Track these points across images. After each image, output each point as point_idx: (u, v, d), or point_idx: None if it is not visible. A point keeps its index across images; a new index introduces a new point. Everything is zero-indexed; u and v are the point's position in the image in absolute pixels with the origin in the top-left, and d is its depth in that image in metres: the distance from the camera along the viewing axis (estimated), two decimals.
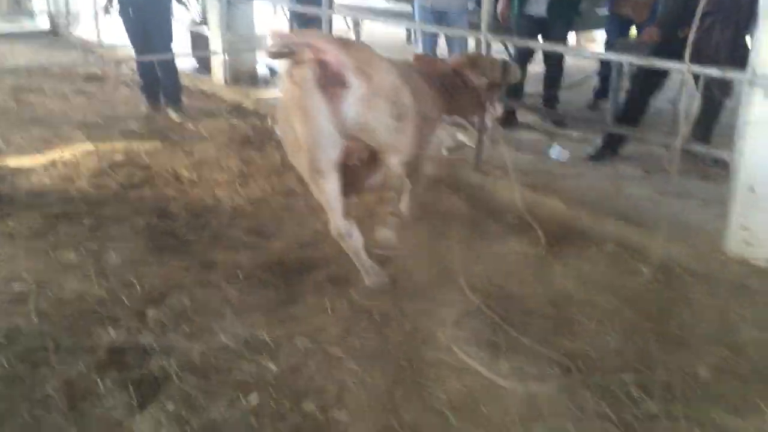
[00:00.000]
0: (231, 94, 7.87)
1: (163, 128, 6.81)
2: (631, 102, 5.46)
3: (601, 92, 7.04)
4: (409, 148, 3.51)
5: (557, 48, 5.89)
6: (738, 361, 3.10)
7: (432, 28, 6.67)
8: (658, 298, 3.63)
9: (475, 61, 4.40)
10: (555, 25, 6.14)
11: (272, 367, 2.96)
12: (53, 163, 5.58)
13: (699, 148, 4.03)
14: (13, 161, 5.59)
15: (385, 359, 3.05)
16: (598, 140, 5.67)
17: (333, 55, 3.07)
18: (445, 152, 5.59)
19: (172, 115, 7.19)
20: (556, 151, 5.55)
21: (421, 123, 3.61)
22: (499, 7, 6.60)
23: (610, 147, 5.52)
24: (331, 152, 3.23)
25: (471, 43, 9.11)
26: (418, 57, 4.46)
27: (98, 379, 2.80)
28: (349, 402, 2.78)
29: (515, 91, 6.19)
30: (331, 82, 3.08)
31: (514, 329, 3.33)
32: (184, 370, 2.92)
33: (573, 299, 3.63)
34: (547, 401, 2.82)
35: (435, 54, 6.69)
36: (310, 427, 2.64)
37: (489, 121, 4.52)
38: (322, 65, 3.05)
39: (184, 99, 7.56)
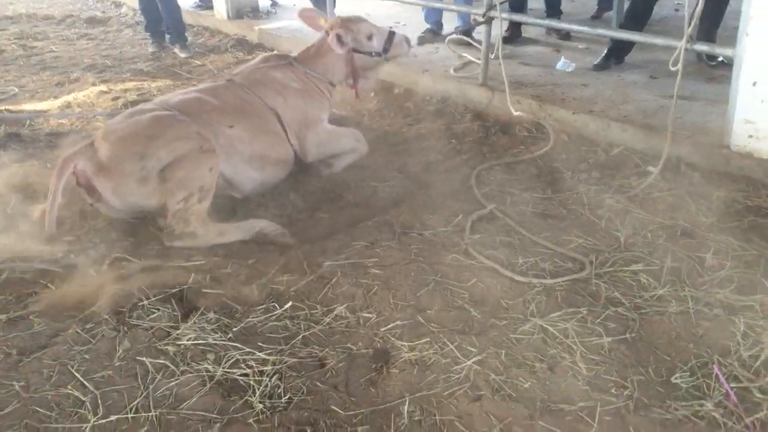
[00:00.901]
0: (234, 29, 7.89)
1: (171, 66, 6.91)
2: (635, 9, 5.46)
3: (605, 2, 7.01)
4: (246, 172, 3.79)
5: None
6: (743, 248, 3.25)
7: None
8: (664, 194, 3.77)
9: (348, 24, 4.32)
10: None
11: (303, 278, 3.14)
12: (68, 105, 5.70)
13: (703, 46, 4.08)
14: (29, 105, 5.71)
15: (407, 264, 3.23)
16: (603, 50, 5.70)
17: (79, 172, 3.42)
18: (452, 71, 5.64)
19: (179, 52, 7.24)
20: (562, 63, 5.60)
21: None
22: None
23: (615, 55, 5.56)
24: None
25: None
26: (304, 14, 4.53)
27: (141, 296, 2.99)
28: (376, 303, 2.96)
29: (519, 6, 6.19)
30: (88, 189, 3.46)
31: (527, 231, 3.49)
32: (220, 284, 3.11)
33: (582, 201, 3.77)
34: (563, 292, 2.99)
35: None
36: (342, 327, 2.83)
37: (363, 91, 4.47)
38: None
39: (188, 36, 7.60)
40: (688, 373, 2.51)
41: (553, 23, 5.29)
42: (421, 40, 6.48)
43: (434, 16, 6.75)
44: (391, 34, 4.44)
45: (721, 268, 3.11)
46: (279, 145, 4.00)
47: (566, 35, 6.46)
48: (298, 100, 4.16)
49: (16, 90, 6.21)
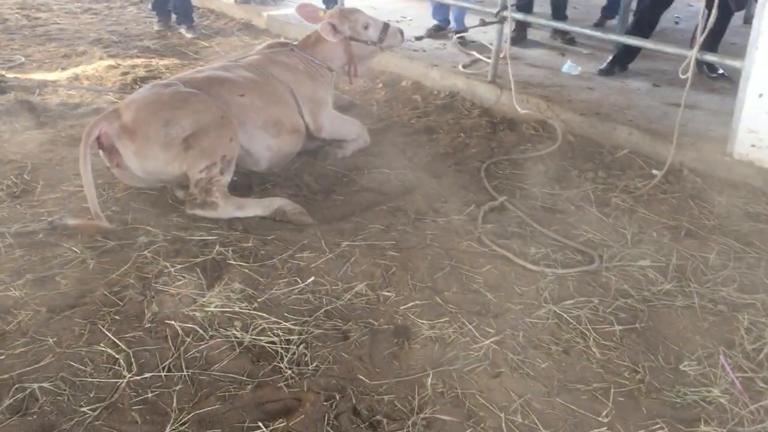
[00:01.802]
0: (241, 13, 7.92)
1: (178, 45, 6.94)
2: (642, 17, 5.61)
3: (608, 10, 7.15)
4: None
5: None
6: (745, 250, 3.41)
7: None
8: (668, 197, 3.91)
9: (346, 14, 4.48)
10: None
11: (322, 256, 3.22)
12: (77, 77, 5.71)
13: (713, 57, 4.23)
14: (38, 75, 5.72)
15: (423, 249, 3.33)
16: (607, 57, 5.84)
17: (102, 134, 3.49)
18: (461, 67, 5.75)
19: (185, 32, 7.27)
20: (568, 66, 5.74)
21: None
22: None
23: (620, 62, 5.70)
24: None
25: None
26: (301, 9, 4.64)
27: (167, 264, 3.05)
28: (395, 283, 3.06)
29: (526, 7, 6.30)
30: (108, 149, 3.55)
31: (538, 223, 3.61)
32: (242, 258, 3.18)
33: (590, 198, 3.90)
34: (574, 282, 3.12)
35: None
36: (363, 303, 2.93)
37: (354, 78, 4.61)
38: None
39: (195, 18, 7.62)
40: (696, 362, 2.64)
41: (566, 26, 5.43)
42: (428, 35, 6.54)
43: (441, 14, 6.84)
44: (386, 26, 4.60)
45: (724, 267, 3.25)
46: (292, 113, 4.10)
47: (571, 40, 6.60)
48: (307, 79, 4.29)
49: (23, 59, 6.21)
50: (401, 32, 4.67)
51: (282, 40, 4.87)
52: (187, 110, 3.54)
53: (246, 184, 3.94)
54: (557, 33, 6.68)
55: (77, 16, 7.99)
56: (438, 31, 6.63)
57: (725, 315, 2.91)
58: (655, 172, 4.13)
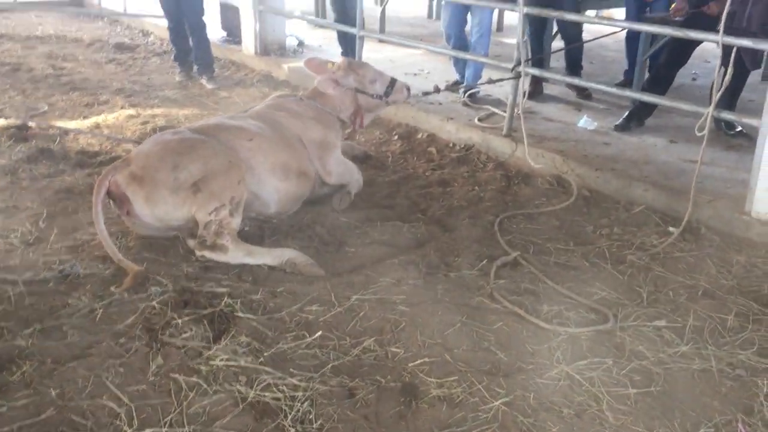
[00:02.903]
0: (261, 65, 8.06)
1: (198, 95, 7.05)
2: (657, 74, 5.62)
3: (631, 72, 7.07)
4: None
5: (581, 18, 6.00)
6: (764, 312, 3.32)
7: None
8: (685, 255, 3.85)
9: (354, 67, 4.58)
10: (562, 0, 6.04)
11: (331, 310, 3.19)
12: (97, 126, 5.80)
13: (730, 115, 4.22)
14: (59, 122, 5.82)
15: (434, 304, 3.28)
16: (623, 112, 5.84)
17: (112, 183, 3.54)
18: (476, 120, 5.78)
19: (206, 83, 7.40)
20: (584, 121, 5.74)
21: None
22: None
23: (636, 117, 5.70)
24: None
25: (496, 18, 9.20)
26: (310, 64, 4.68)
27: (174, 315, 3.03)
28: (404, 339, 3.01)
29: (540, 63, 6.35)
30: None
31: (551, 280, 3.56)
32: (251, 310, 3.16)
33: (605, 255, 3.85)
34: (588, 342, 3.05)
35: (462, 33, 6.69)
36: (371, 359, 2.87)
37: (358, 125, 4.70)
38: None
39: (216, 68, 7.76)
40: (713, 429, 2.56)
41: (582, 82, 5.44)
42: (435, 90, 6.54)
43: (460, 68, 6.87)
44: (393, 81, 4.69)
45: (743, 330, 3.17)
46: (300, 158, 4.16)
47: (588, 95, 6.61)
48: (315, 124, 4.38)
49: (46, 107, 6.33)
50: (408, 88, 4.79)
51: (288, 92, 4.96)
52: (195, 155, 3.62)
53: (258, 234, 3.94)
54: (572, 87, 6.70)
55: (102, 66, 8.16)
56: (454, 86, 6.67)
57: (744, 380, 2.82)
58: (671, 229, 4.08)
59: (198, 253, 3.57)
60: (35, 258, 3.55)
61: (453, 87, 6.62)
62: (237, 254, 3.57)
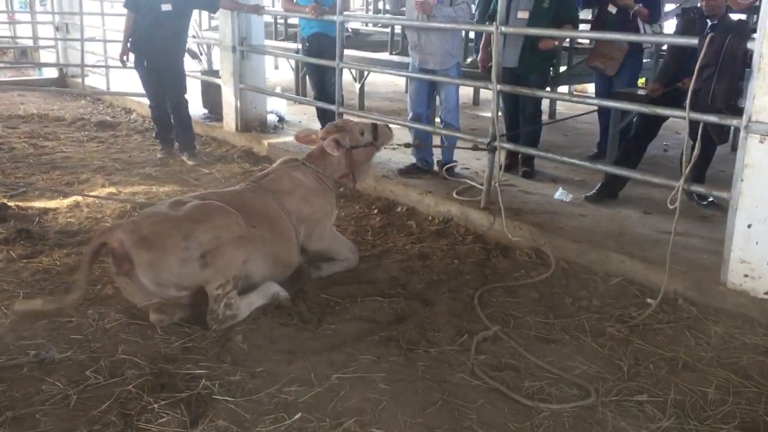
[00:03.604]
0: (242, 141, 8.17)
1: (179, 172, 7.10)
2: (629, 148, 5.77)
3: (603, 144, 7.22)
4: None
5: (554, 96, 6.18)
6: (744, 384, 3.33)
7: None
8: (664, 326, 3.87)
9: (341, 128, 4.74)
10: (528, 78, 6.20)
11: (311, 390, 3.15)
12: (77, 205, 5.81)
13: (700, 188, 4.33)
14: (39, 203, 5.82)
15: (415, 382, 3.26)
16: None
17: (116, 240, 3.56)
18: (454, 194, 5.86)
19: (187, 160, 7.47)
20: (560, 193, 5.85)
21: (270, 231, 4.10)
22: (479, 57, 7.05)
23: (608, 189, 5.80)
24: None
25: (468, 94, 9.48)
26: (299, 137, 4.99)
27: (150, 399, 2.98)
28: (385, 419, 2.97)
29: (516, 138, 6.45)
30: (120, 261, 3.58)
31: (533, 354, 3.55)
32: (228, 392, 3.11)
33: (584, 328, 3.86)
34: (570, 418, 3.02)
35: (428, 109, 6.80)
36: None
37: (362, 178, 4.99)
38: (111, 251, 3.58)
39: (197, 145, 7.85)
40: None
41: (555, 157, 5.57)
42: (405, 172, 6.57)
43: (423, 153, 6.66)
44: (374, 125, 4.90)
45: (724, 403, 3.17)
46: (291, 251, 4.29)
47: (526, 172, 6.59)
48: (319, 199, 4.52)
49: (25, 187, 6.33)
50: (389, 128, 5.02)
51: (290, 157, 5.03)
52: (208, 225, 3.70)
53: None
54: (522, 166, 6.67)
55: (83, 144, 8.22)
56: (414, 171, 6.58)
57: None
58: (649, 301, 4.12)
59: (215, 327, 3.68)
60: (9, 341, 3.49)
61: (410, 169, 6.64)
62: (243, 313, 3.80)
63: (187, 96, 7.56)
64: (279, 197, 4.31)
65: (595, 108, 7.13)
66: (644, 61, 7.66)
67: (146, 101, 7.97)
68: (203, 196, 4.12)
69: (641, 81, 7.74)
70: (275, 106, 8.98)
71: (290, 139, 7.88)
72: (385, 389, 3.18)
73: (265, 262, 4.04)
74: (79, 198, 5.94)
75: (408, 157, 6.80)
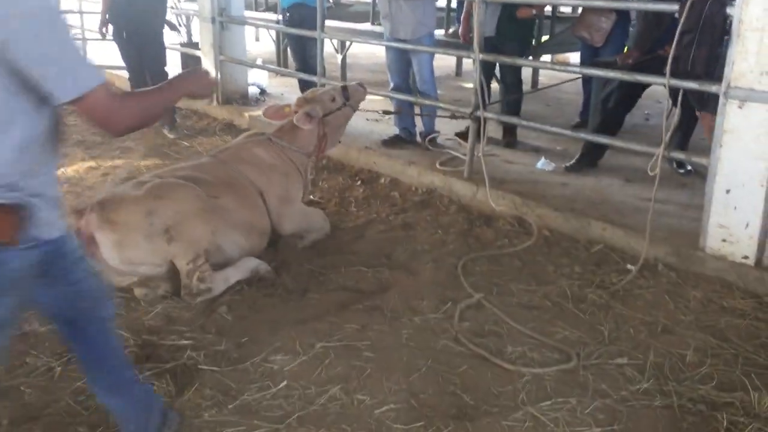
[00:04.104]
0: (223, 113, 8.10)
1: (160, 145, 7.02)
2: (608, 117, 5.79)
3: (585, 113, 7.25)
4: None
5: (535, 64, 6.15)
6: (722, 346, 3.39)
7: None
8: (644, 292, 3.93)
9: (311, 98, 4.73)
10: (506, 47, 6.09)
11: (296, 358, 3.17)
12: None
13: (680, 154, 4.36)
14: None
15: (399, 349, 3.29)
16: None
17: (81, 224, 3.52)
18: (437, 165, 5.86)
19: (167, 133, 7.39)
20: (542, 162, 5.87)
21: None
22: (461, 30, 7.00)
23: (588, 158, 5.82)
24: None
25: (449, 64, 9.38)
26: (267, 113, 4.91)
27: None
28: (370, 386, 3.00)
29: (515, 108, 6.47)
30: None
31: (514, 321, 3.60)
32: (214, 362, 3.13)
33: (566, 294, 3.91)
34: (551, 382, 3.08)
35: (406, 83, 6.69)
36: (337, 407, 2.86)
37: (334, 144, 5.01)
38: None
39: (177, 118, 7.77)
40: None
41: (537, 125, 5.58)
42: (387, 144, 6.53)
43: (405, 122, 6.65)
44: (344, 87, 4.91)
45: (702, 364, 3.23)
46: (262, 217, 4.27)
47: (508, 143, 6.58)
48: (281, 178, 4.45)
49: None
50: (362, 85, 5.00)
51: (256, 131, 5.03)
52: (170, 200, 3.68)
53: None
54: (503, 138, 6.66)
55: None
56: (397, 142, 6.55)
57: (704, 414, 2.87)
58: (630, 267, 4.17)
59: (190, 301, 3.66)
60: None
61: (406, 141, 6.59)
62: (219, 287, 3.76)
63: (167, 68, 7.46)
64: (238, 168, 4.29)
65: (577, 77, 7.13)
66: (631, 30, 7.63)
67: (125, 74, 7.86)
68: (162, 174, 4.06)
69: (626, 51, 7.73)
70: (256, 78, 8.89)
71: None
72: (369, 357, 3.21)
73: (235, 231, 4.00)
74: (58, 172, 5.87)
75: (391, 128, 6.77)
